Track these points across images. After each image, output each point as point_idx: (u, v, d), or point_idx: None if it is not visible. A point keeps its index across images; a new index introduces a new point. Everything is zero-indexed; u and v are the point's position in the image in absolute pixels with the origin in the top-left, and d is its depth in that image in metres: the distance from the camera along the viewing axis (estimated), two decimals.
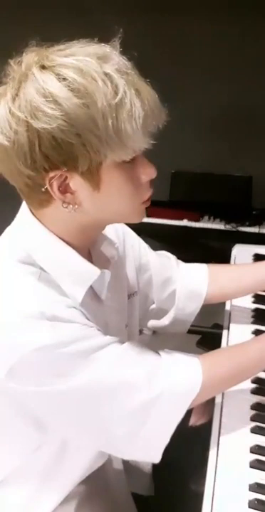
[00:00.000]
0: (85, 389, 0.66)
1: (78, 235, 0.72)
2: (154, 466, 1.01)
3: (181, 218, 2.65)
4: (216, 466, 0.75)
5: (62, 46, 0.65)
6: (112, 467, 0.94)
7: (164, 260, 1.04)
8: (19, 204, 0.76)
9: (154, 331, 2.63)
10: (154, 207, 3.04)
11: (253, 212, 2.66)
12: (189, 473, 1.07)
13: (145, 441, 0.71)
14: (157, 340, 2.44)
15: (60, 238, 0.71)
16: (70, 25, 2.34)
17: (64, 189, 0.65)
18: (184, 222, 2.65)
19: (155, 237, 3.24)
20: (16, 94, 0.62)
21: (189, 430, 1.06)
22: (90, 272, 0.72)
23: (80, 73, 0.60)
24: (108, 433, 0.71)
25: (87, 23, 2.42)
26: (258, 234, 2.55)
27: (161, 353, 0.76)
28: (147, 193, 0.72)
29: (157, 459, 0.72)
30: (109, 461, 0.92)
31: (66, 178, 0.64)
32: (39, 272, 0.69)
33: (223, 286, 1.05)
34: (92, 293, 0.76)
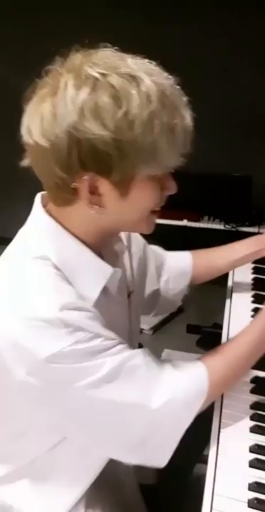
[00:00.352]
0: (96, 402, 0.66)
1: (95, 236, 0.73)
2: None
3: (181, 218, 2.66)
4: (215, 465, 0.75)
5: (108, 54, 0.65)
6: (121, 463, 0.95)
7: (154, 249, 1.09)
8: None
9: (154, 331, 2.64)
10: None
11: (253, 212, 2.67)
12: (189, 472, 1.08)
13: (153, 450, 0.71)
14: (157, 340, 2.45)
15: (76, 237, 0.71)
16: (70, 25, 2.35)
17: (93, 190, 0.66)
18: (184, 222, 2.66)
19: (155, 237, 3.24)
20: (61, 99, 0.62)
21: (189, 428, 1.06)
22: (104, 270, 0.74)
23: (131, 88, 0.61)
24: (117, 443, 0.71)
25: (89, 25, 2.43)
26: (258, 234, 2.55)
27: (165, 363, 0.76)
28: (159, 205, 0.74)
29: (163, 464, 0.73)
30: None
31: (97, 180, 0.65)
32: (54, 271, 0.69)
33: (205, 264, 1.14)
34: (103, 290, 0.76)
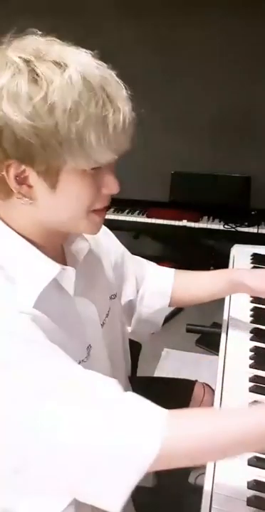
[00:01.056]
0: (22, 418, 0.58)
1: (41, 234, 0.70)
2: None
3: (180, 219, 2.66)
4: (214, 464, 0.75)
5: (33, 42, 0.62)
6: None
7: (138, 260, 1.05)
8: None
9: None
10: (154, 207, 3.07)
11: (252, 213, 2.67)
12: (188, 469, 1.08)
13: (96, 492, 0.60)
14: (157, 340, 2.45)
15: (21, 235, 0.68)
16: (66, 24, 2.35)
17: (21, 180, 0.63)
18: (184, 223, 2.66)
19: (155, 237, 3.25)
20: None
21: None
22: (47, 270, 0.69)
23: (54, 75, 0.58)
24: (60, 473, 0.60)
25: (84, 24, 2.43)
26: (257, 234, 2.56)
27: (126, 394, 0.63)
28: (100, 205, 0.69)
29: (114, 509, 0.59)
30: None
31: (22, 169, 0.62)
32: None
33: (187, 288, 1.06)
34: (60, 287, 0.72)
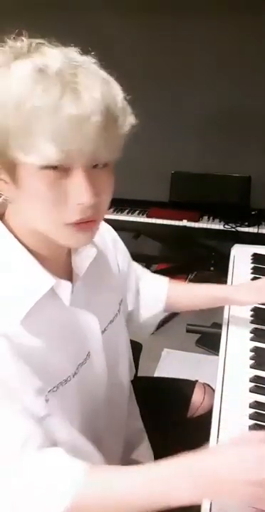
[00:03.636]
0: None
1: (41, 243, 0.67)
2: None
3: (180, 219, 2.66)
4: None
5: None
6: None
7: (136, 268, 1.04)
8: None
9: (154, 331, 2.63)
10: (155, 207, 3.07)
11: (252, 213, 2.68)
12: None
13: None
14: (157, 340, 2.45)
15: (25, 246, 0.67)
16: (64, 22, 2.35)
17: None
18: (184, 223, 2.66)
19: (155, 237, 3.26)
20: None
21: (187, 425, 1.07)
22: (42, 283, 0.67)
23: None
24: None
25: (83, 21, 2.43)
26: (257, 234, 2.57)
27: (49, 450, 0.63)
28: (73, 217, 0.61)
29: None
30: (108, 461, 0.92)
31: None
32: None
33: (179, 296, 1.07)
34: (56, 296, 0.71)
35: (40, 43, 0.60)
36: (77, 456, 0.63)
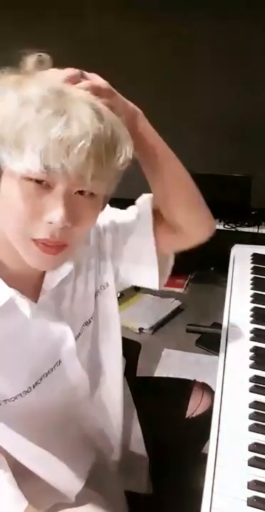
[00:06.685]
0: None
1: (8, 253, 0.67)
2: (153, 464, 1.02)
3: None
4: (215, 464, 0.75)
5: None
6: (106, 469, 0.95)
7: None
8: None
9: (154, 331, 2.64)
10: None
11: (252, 213, 2.68)
12: (187, 471, 1.08)
13: None
14: (157, 340, 2.45)
15: None
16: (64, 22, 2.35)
17: None
18: None
19: None
20: None
21: (186, 425, 1.07)
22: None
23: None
24: None
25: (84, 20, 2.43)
26: (257, 234, 2.57)
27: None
28: (41, 233, 0.61)
29: None
30: (103, 462, 0.93)
31: None
32: None
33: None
34: (16, 307, 0.71)
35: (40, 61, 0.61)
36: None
